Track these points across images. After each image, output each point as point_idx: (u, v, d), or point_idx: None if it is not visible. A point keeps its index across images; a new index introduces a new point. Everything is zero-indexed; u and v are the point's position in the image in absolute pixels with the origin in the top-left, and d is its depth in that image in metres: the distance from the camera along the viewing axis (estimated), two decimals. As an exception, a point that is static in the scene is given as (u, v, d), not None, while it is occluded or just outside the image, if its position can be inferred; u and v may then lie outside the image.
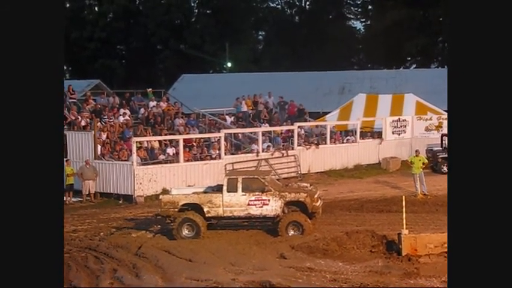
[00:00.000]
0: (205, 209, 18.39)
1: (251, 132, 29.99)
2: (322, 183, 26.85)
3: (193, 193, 19.10)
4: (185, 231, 18.22)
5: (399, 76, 46.96)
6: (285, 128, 31.46)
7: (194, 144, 27.62)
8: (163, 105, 30.91)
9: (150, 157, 25.96)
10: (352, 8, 71.86)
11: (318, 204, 18.73)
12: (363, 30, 71.38)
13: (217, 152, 27.10)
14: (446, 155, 29.44)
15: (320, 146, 30.47)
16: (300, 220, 18.00)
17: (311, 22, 66.74)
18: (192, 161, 26.31)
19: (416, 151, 25.78)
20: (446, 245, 15.68)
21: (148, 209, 22.66)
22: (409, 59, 65.19)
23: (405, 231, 16.12)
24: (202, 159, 26.73)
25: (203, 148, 27.71)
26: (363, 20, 71.23)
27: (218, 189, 19.07)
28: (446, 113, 34.76)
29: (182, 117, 30.39)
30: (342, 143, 32.10)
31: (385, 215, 20.73)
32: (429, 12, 60.32)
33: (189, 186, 23.14)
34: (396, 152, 32.32)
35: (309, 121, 34.50)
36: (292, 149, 29.36)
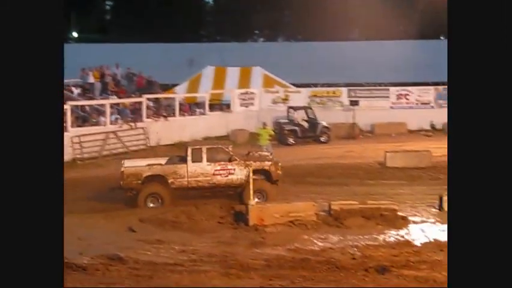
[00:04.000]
0: (170, 180, 18.31)
1: (98, 104, 29.29)
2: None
3: (157, 164, 18.86)
4: (150, 204, 18.05)
5: (247, 49, 47.60)
6: (133, 100, 30.97)
7: (38, 116, 26.54)
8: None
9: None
10: (201, -20, 71.81)
11: (280, 172, 18.99)
12: (211, 3, 71.57)
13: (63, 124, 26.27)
14: (292, 127, 30.43)
15: (169, 118, 30.35)
16: (265, 188, 18.47)
17: (160, -7, 65.91)
18: (35, 134, 25.27)
19: (264, 123, 26.37)
20: (291, 214, 16.32)
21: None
22: (257, 32, 66.24)
23: (252, 202, 16.54)
24: (47, 132, 25.75)
25: (48, 121, 26.68)
26: (212, -8, 71.42)
27: (180, 160, 18.91)
28: (293, 86, 35.84)
29: (25, 89, 29.08)
30: (191, 115, 32.15)
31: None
32: (276, -14, 61.42)
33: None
34: (244, 124, 32.83)
35: (158, 93, 34.23)
36: (141, 121, 29.04)
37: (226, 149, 19.00)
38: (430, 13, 43.30)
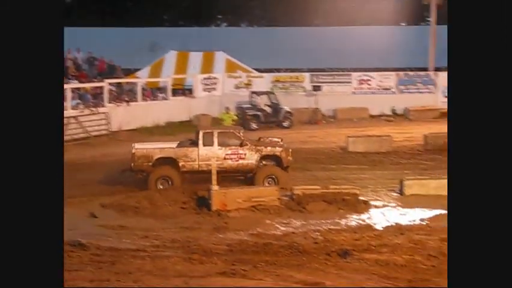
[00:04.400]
0: (181, 163, 18.46)
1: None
2: (134, 141, 26.61)
3: (168, 147, 19.11)
4: (160, 187, 18.21)
5: (210, 34, 47.38)
6: (94, 84, 30.61)
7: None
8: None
9: None
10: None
11: (291, 158, 19.20)
12: (174, -13, 70.84)
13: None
14: (255, 112, 30.44)
15: (130, 103, 30.10)
16: (276, 173, 18.57)
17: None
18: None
19: (227, 108, 26.33)
20: (254, 199, 16.38)
21: None
22: (220, 17, 65.90)
23: (215, 187, 16.53)
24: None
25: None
26: (175, -24, 70.64)
27: (191, 143, 19.15)
28: (255, 71, 35.86)
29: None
30: (154, 100, 31.94)
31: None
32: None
33: None
34: (207, 109, 32.72)
35: (120, 78, 33.89)
36: (103, 106, 28.75)
37: (238, 134, 19.07)
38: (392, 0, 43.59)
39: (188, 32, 48.16)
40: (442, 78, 34.53)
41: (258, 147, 18.94)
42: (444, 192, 17.23)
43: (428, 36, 37.05)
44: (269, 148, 19.14)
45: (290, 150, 19.42)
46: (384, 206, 17.01)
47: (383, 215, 16.10)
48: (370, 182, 19.25)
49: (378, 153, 23.38)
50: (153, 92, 32.94)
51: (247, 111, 30.52)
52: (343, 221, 15.54)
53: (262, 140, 20.36)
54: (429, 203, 16.63)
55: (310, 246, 13.28)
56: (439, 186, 17.47)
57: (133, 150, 18.73)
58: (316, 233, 14.38)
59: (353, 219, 15.70)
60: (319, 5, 48.46)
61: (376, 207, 16.83)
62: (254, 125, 30.00)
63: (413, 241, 13.59)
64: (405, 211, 16.37)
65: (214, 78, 34.14)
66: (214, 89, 33.95)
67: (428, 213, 16.01)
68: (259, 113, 30.57)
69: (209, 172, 18.12)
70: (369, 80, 34.99)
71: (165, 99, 32.12)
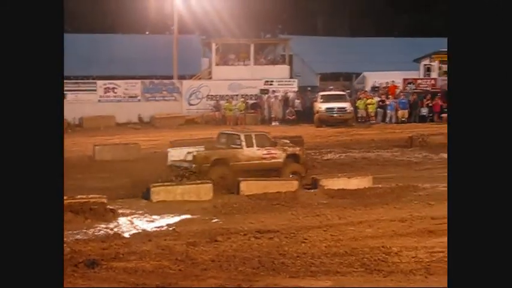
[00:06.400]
0: (231, 163, 20.22)
1: None
2: None
3: (218, 149, 21.00)
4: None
5: None
6: None
7: None
8: None
9: None
10: None
11: (305, 157, 22.42)
12: None
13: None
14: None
15: None
16: (298, 169, 21.21)
17: None
18: None
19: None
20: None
21: None
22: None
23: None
24: None
25: None
26: None
27: (229, 145, 21.17)
28: None
29: None
30: None
31: None
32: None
33: None
34: None
35: None
36: None
37: (269, 136, 21.84)
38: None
39: None
40: (186, 86, 35.65)
41: (284, 147, 21.53)
42: (189, 198, 18.09)
43: (172, 45, 38.01)
44: (292, 148, 21.80)
45: (304, 149, 22.81)
46: (132, 213, 17.09)
47: (131, 223, 16.19)
48: (118, 191, 19.24)
49: (126, 161, 23.43)
50: None
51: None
52: (90, 231, 15.33)
53: (277, 141, 22.49)
54: (176, 209, 17.12)
55: (57, 259, 12.93)
56: (184, 191, 18.12)
57: (194, 153, 20.10)
58: (63, 245, 14.03)
59: (101, 229, 15.55)
60: (66, 11, 47.39)
61: (124, 215, 16.86)
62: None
63: (161, 247, 13.84)
64: (152, 218, 16.61)
65: None
66: None
67: (175, 218, 16.43)
68: None
69: (250, 171, 20.09)
70: (115, 88, 35.06)
71: None
